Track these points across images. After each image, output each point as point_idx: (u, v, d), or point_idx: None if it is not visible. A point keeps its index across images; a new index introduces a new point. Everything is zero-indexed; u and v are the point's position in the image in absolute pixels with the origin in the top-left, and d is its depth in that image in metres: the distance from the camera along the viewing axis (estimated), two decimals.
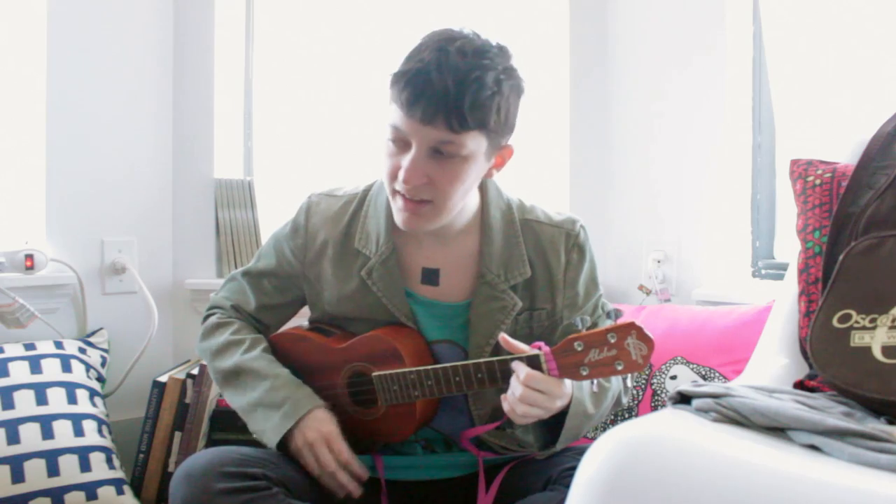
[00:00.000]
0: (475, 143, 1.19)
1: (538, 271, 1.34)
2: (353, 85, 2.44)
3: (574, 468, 1.19)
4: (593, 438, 1.76)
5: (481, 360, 1.22)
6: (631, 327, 1.12)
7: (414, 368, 1.27)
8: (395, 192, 1.24)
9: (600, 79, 2.35)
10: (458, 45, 1.16)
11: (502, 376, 1.20)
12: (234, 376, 1.36)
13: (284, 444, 1.29)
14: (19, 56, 2.07)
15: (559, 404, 1.19)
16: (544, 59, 2.39)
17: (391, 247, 1.33)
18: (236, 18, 2.40)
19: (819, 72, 1.91)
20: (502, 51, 1.22)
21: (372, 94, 2.38)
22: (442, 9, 2.41)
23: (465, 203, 1.29)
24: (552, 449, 1.27)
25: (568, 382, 1.20)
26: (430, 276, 1.34)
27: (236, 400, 1.36)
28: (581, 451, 1.25)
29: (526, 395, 1.15)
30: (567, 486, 1.16)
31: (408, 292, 1.35)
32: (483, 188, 1.35)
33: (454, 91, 1.13)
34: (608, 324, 1.16)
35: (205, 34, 2.31)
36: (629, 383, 1.36)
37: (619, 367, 1.13)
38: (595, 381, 1.17)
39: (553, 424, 1.25)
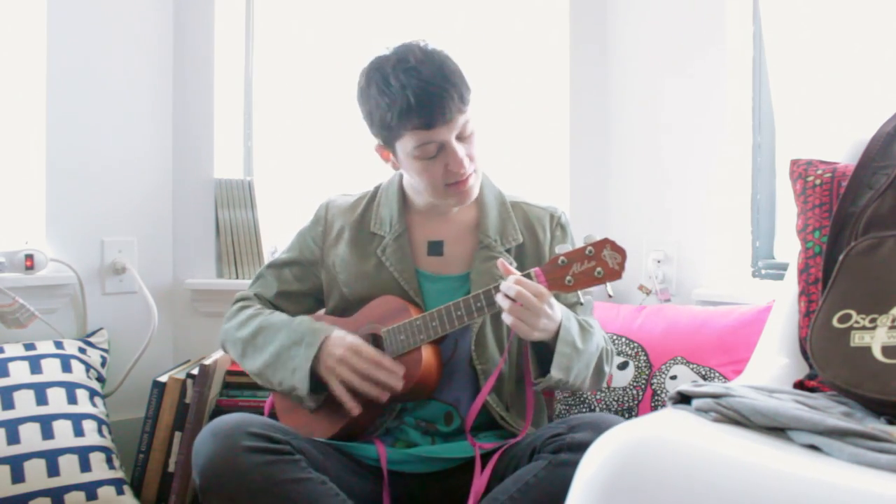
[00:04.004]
0: (471, 112, 1.40)
1: (527, 243, 1.51)
2: (353, 85, 2.43)
3: (557, 436, 1.27)
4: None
5: (479, 290, 1.35)
6: (605, 241, 1.29)
7: (419, 315, 1.39)
8: (446, 188, 1.41)
9: (600, 79, 2.35)
10: (415, 56, 1.36)
11: None
12: (254, 336, 1.47)
13: (315, 377, 1.38)
14: (19, 55, 2.08)
15: (548, 310, 1.30)
16: (544, 58, 2.39)
17: (403, 225, 1.50)
18: (236, 18, 2.40)
19: (819, 72, 1.91)
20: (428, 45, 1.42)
21: None
22: (441, 9, 2.41)
23: None
24: (549, 377, 1.35)
25: (557, 309, 1.34)
26: (436, 248, 1.50)
27: (259, 358, 1.44)
28: (564, 422, 1.29)
29: (519, 291, 1.27)
30: (550, 452, 1.25)
31: (417, 271, 1.48)
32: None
33: (448, 86, 1.34)
34: None
35: (205, 34, 2.31)
36: (610, 348, 1.50)
37: (599, 275, 1.28)
38: (580, 293, 1.31)
39: (548, 364, 1.35)
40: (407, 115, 1.33)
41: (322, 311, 1.59)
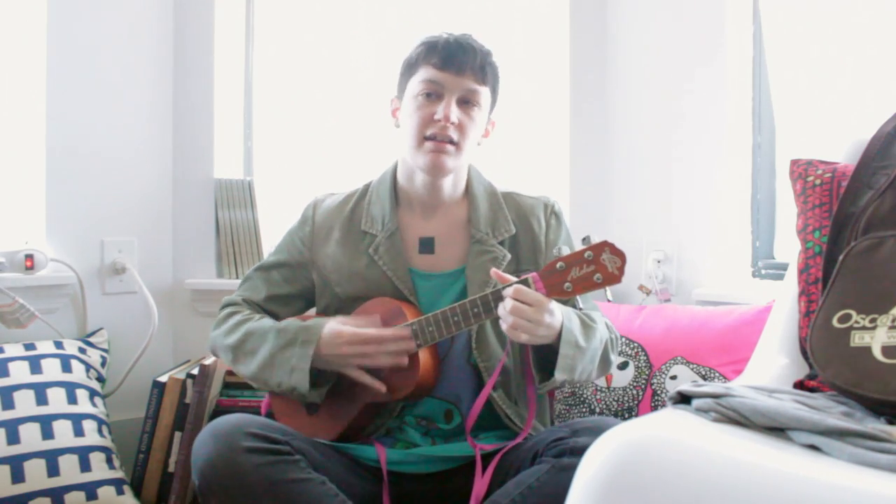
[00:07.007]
0: (486, 98, 1.46)
1: (521, 234, 1.51)
2: (353, 85, 2.44)
3: (559, 440, 1.26)
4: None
5: (476, 295, 1.34)
6: (604, 244, 1.26)
7: (415, 319, 1.37)
8: (423, 141, 1.43)
9: (600, 79, 2.35)
10: (463, 34, 1.46)
11: (496, 305, 1.32)
12: (243, 342, 1.46)
13: (316, 374, 1.39)
14: (19, 55, 2.07)
15: (548, 319, 1.28)
16: (544, 59, 2.39)
17: (396, 223, 1.50)
18: (236, 18, 2.40)
19: (819, 72, 1.91)
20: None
21: (372, 93, 2.38)
22: (443, 8, 2.41)
23: (466, 161, 1.50)
24: (553, 380, 1.34)
25: (557, 311, 1.32)
26: (427, 245, 1.50)
27: (252, 363, 1.43)
28: (567, 426, 1.29)
29: (516, 306, 1.26)
30: (553, 456, 1.24)
31: (410, 269, 1.47)
32: (468, 170, 1.54)
33: (480, 52, 1.44)
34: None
35: (205, 34, 2.31)
36: (615, 336, 1.50)
37: (599, 280, 1.26)
38: (580, 300, 1.33)
39: (551, 364, 1.34)
40: (430, 51, 1.42)
41: (312, 311, 1.58)
